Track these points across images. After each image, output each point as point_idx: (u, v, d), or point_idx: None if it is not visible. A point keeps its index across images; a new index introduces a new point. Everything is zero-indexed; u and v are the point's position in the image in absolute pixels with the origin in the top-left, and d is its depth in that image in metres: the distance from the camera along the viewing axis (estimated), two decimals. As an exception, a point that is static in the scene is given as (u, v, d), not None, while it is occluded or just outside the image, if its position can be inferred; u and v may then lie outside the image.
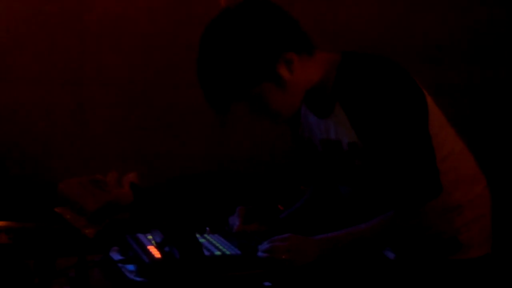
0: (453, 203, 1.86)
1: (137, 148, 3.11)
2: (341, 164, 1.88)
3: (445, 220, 1.86)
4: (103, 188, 2.43)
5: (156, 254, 1.78)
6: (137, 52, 3.11)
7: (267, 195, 2.94)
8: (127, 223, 2.31)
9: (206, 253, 1.80)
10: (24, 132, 3.03)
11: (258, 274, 1.70)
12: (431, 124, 1.80)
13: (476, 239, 1.90)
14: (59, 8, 3.03)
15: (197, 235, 1.95)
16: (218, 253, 1.81)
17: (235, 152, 3.23)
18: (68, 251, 1.95)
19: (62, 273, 1.81)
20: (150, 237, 1.90)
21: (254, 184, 3.13)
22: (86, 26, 3.06)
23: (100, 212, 2.32)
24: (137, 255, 1.81)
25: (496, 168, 2.53)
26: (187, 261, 1.62)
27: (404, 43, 3.35)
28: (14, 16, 2.99)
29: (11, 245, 2.06)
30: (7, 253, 1.98)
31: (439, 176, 1.76)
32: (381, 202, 1.84)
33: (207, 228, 2.02)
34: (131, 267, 1.79)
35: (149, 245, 1.85)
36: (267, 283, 1.67)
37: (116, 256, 1.88)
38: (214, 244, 1.88)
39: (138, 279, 1.71)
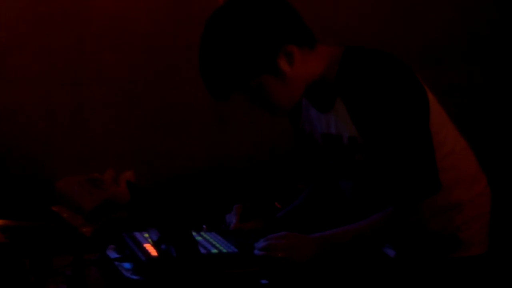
0: (453, 201, 1.86)
1: (136, 148, 3.11)
2: (342, 158, 1.88)
3: (445, 218, 1.86)
4: (100, 186, 2.43)
5: (153, 252, 1.77)
6: (136, 52, 3.11)
7: (264, 193, 2.94)
8: (124, 221, 2.31)
9: (203, 251, 1.80)
10: (24, 132, 3.03)
11: (255, 272, 1.69)
12: (432, 122, 1.80)
13: (477, 237, 1.89)
14: (59, 8, 3.03)
15: (194, 233, 1.95)
16: (214, 251, 1.80)
17: (234, 151, 3.23)
18: (64, 249, 1.95)
19: (58, 271, 1.81)
20: (146, 235, 1.90)
21: (251, 182, 3.12)
22: (86, 26, 3.06)
23: (97, 210, 2.32)
24: (134, 253, 1.81)
25: (496, 168, 2.52)
26: (183, 259, 1.61)
27: (404, 43, 3.35)
28: (14, 16, 2.99)
29: (8, 243, 2.05)
30: (3, 251, 1.98)
31: (437, 173, 1.76)
32: (381, 197, 1.84)
33: (204, 226, 2.02)
34: (127, 265, 1.78)
35: (146, 243, 1.84)
36: (264, 281, 1.66)
37: (112, 254, 1.87)
38: (211, 242, 1.88)
39: (134, 277, 1.70)
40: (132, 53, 3.12)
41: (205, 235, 1.95)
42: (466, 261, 1.88)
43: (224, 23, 1.75)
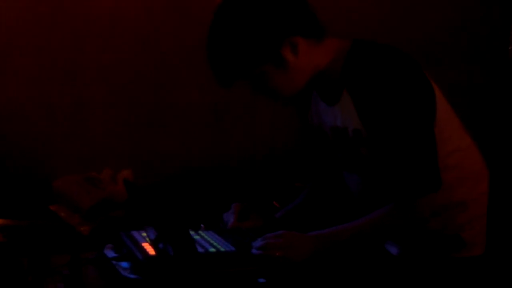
0: (457, 200, 1.85)
1: (135, 148, 3.11)
2: (347, 151, 1.88)
3: (448, 216, 1.85)
4: (97, 185, 2.43)
5: (150, 251, 1.77)
6: (136, 52, 3.11)
7: (263, 192, 2.94)
8: (122, 220, 2.31)
9: (201, 250, 1.79)
10: (23, 131, 3.02)
11: (252, 271, 1.69)
12: (437, 119, 1.80)
13: (480, 237, 1.88)
14: (59, 8, 3.02)
15: (192, 232, 1.95)
16: (212, 250, 1.80)
17: (232, 150, 3.22)
18: (62, 248, 1.95)
19: (56, 270, 1.81)
20: (144, 234, 1.90)
21: (249, 181, 3.12)
22: (86, 26, 3.05)
23: (95, 209, 2.32)
24: (131, 252, 1.81)
25: (496, 168, 2.52)
26: (181, 258, 1.61)
27: (404, 43, 3.32)
28: (14, 16, 2.99)
29: (5, 243, 2.06)
30: (1, 250, 1.98)
31: (439, 170, 1.76)
32: (385, 193, 1.83)
33: (202, 225, 2.02)
34: (125, 264, 1.79)
35: (143, 242, 1.84)
36: (261, 280, 1.66)
37: (110, 253, 1.87)
38: (209, 241, 1.87)
39: (132, 276, 1.71)
40: (131, 53, 3.11)
41: (203, 234, 1.95)
42: (469, 261, 1.87)
43: (233, 11, 1.77)
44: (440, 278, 1.84)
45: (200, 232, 1.97)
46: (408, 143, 1.74)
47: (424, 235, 1.87)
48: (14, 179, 2.89)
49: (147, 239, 1.84)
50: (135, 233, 1.92)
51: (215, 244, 1.85)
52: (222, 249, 1.81)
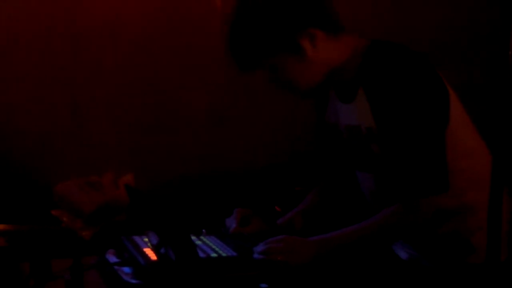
0: (467, 203, 1.84)
1: (134, 150, 3.10)
2: (360, 149, 1.89)
3: (458, 220, 1.86)
4: (99, 190, 2.43)
5: (152, 256, 1.77)
6: (135, 54, 3.10)
7: (264, 196, 2.93)
8: (124, 225, 2.31)
9: (202, 255, 1.79)
10: (22, 133, 3.02)
11: (254, 276, 1.69)
12: (451, 121, 1.81)
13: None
14: (59, 9, 3.02)
15: (194, 237, 1.95)
16: (214, 255, 1.80)
17: (234, 154, 3.22)
18: (63, 253, 1.95)
19: (57, 275, 1.80)
20: (146, 239, 1.90)
21: (250, 185, 3.12)
22: (86, 28, 3.05)
23: (97, 214, 2.31)
24: (133, 257, 1.81)
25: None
26: (182, 263, 1.61)
27: (404, 43, 3.33)
28: (14, 17, 2.98)
29: (7, 247, 2.06)
30: (3, 255, 1.98)
31: (447, 173, 1.76)
32: (394, 192, 1.83)
33: (203, 230, 2.01)
34: (127, 269, 1.79)
35: (145, 247, 1.84)
36: (263, 285, 1.66)
37: (112, 258, 1.87)
38: (210, 246, 1.87)
39: (134, 281, 1.71)
40: (131, 56, 3.11)
41: (204, 239, 1.95)
42: (478, 268, 1.85)
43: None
44: (448, 284, 1.84)
45: (201, 237, 1.97)
46: (418, 143, 1.75)
47: (433, 239, 1.87)
48: (15, 184, 2.89)
49: (149, 244, 1.84)
50: (136, 238, 1.93)
51: (216, 249, 1.85)
52: (223, 254, 1.81)
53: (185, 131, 3.17)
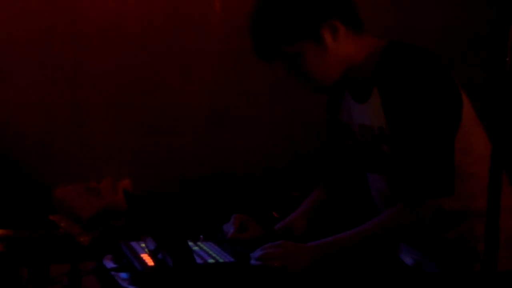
0: (475, 209, 1.84)
1: (134, 152, 3.11)
2: (371, 149, 1.90)
3: (466, 227, 1.85)
4: (98, 195, 2.43)
5: (149, 262, 1.77)
6: (135, 54, 3.10)
7: (261, 201, 2.93)
8: (122, 230, 2.31)
9: (199, 260, 1.79)
10: (22, 133, 3.02)
11: (251, 281, 1.69)
12: (462, 126, 1.81)
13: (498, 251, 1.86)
14: (59, 10, 3.02)
15: (191, 243, 1.95)
16: (211, 260, 1.80)
17: (232, 154, 3.22)
18: (61, 258, 1.95)
19: (55, 280, 1.81)
20: (143, 244, 1.90)
21: (248, 190, 3.12)
22: (86, 30, 3.05)
23: (95, 219, 2.32)
24: (130, 263, 1.81)
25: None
26: (180, 269, 1.61)
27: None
28: (14, 18, 2.98)
29: (5, 253, 2.06)
30: (1, 261, 1.98)
31: (453, 177, 1.76)
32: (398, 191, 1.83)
33: (201, 236, 2.01)
34: (124, 275, 1.79)
35: (142, 253, 1.84)
36: (260, 291, 1.67)
37: (109, 264, 1.87)
38: (208, 252, 1.87)
39: (131, 287, 1.71)
40: (131, 59, 3.10)
41: (201, 245, 1.94)
42: (483, 276, 1.85)
43: None
44: None
45: (199, 243, 1.97)
46: (427, 145, 1.76)
47: (440, 244, 1.87)
48: (15, 184, 2.89)
49: (146, 249, 1.85)
50: (134, 244, 1.93)
51: (214, 255, 1.85)
52: (221, 260, 1.81)
53: (185, 134, 3.17)
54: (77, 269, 1.78)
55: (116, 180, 2.64)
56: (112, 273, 1.80)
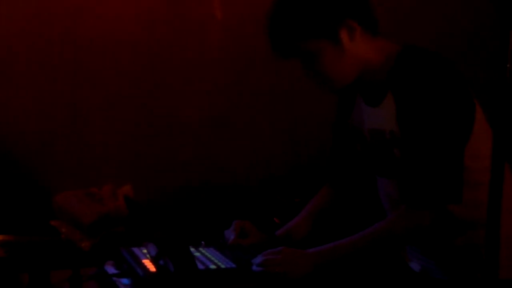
0: (484, 218, 1.83)
1: (133, 157, 3.10)
2: (382, 153, 1.90)
3: (474, 235, 1.85)
4: (98, 201, 2.43)
5: (151, 267, 1.77)
6: (136, 64, 3.10)
7: (263, 208, 2.93)
8: (123, 236, 2.31)
9: (201, 266, 1.80)
10: (22, 133, 3.02)
11: (253, 287, 1.70)
12: (474, 135, 1.81)
13: (504, 261, 1.85)
14: (59, 13, 3.01)
15: (192, 249, 1.95)
16: (213, 266, 1.80)
17: (233, 158, 3.21)
18: (62, 264, 1.95)
19: (56, 286, 1.81)
20: (145, 250, 1.90)
21: (250, 196, 3.11)
22: (86, 33, 3.04)
23: (96, 225, 2.32)
24: (132, 268, 1.81)
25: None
26: (181, 275, 1.61)
27: (403, 43, 3.33)
28: (14, 20, 2.98)
29: (6, 258, 2.06)
30: (2, 266, 1.98)
31: (462, 186, 1.76)
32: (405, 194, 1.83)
33: (202, 242, 2.02)
34: (125, 280, 1.79)
35: (144, 258, 1.84)
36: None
37: (110, 269, 1.88)
38: (209, 258, 1.87)
39: (132, 293, 1.71)
40: (131, 64, 3.09)
41: (203, 251, 1.94)
42: (490, 284, 1.84)
43: None
44: None
45: (200, 248, 1.97)
46: (437, 151, 1.76)
47: (449, 251, 1.88)
48: (15, 185, 2.89)
49: (148, 255, 1.85)
50: (135, 250, 1.93)
51: (215, 260, 1.85)
52: (222, 266, 1.81)
53: (185, 139, 3.16)
54: (78, 275, 1.79)
55: (116, 183, 2.63)
56: (114, 279, 1.81)
